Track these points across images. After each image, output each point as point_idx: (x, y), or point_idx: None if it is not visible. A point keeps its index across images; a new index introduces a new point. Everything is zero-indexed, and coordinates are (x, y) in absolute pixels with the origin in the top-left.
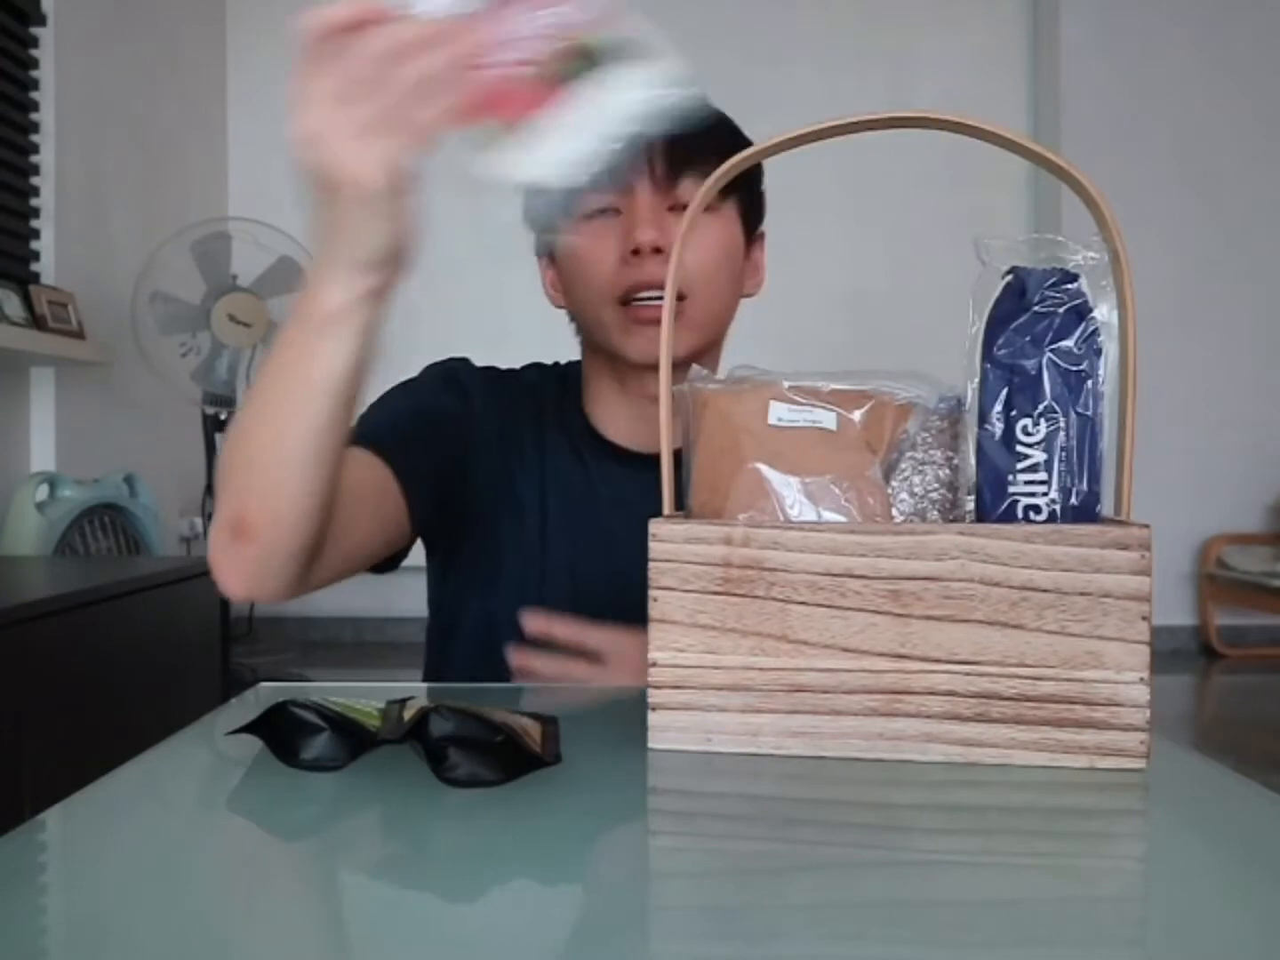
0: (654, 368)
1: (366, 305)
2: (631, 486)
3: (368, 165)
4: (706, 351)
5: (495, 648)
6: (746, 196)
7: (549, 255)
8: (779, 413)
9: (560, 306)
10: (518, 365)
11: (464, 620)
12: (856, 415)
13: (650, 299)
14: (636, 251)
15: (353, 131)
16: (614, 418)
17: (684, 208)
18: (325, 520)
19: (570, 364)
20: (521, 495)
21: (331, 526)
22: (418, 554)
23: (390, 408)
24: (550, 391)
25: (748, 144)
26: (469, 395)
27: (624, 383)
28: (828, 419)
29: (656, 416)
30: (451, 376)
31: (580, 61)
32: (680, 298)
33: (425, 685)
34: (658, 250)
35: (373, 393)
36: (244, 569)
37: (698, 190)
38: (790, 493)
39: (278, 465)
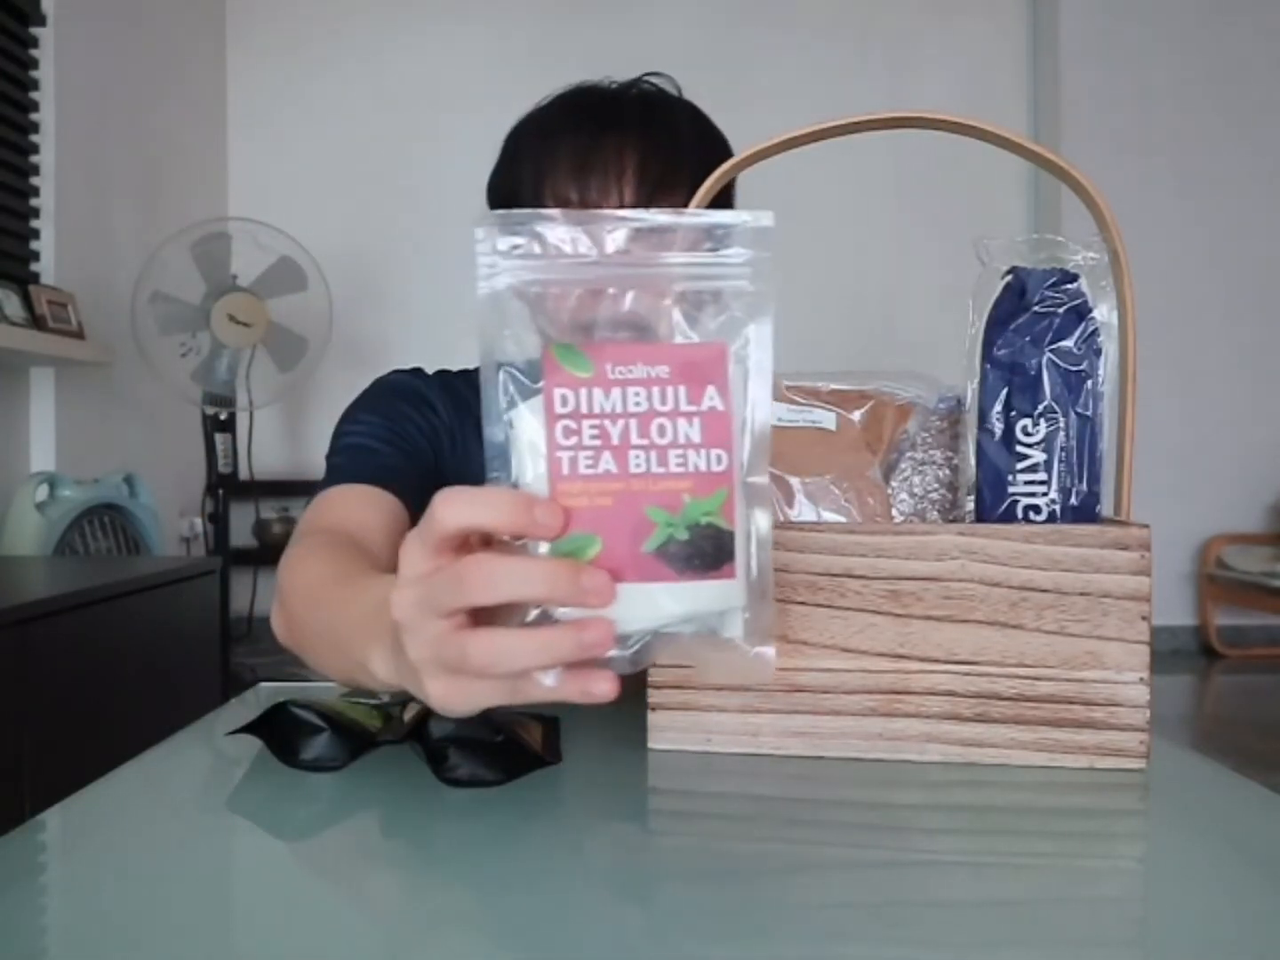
0: None
1: None
2: None
3: (456, 705)
4: None
5: None
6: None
7: None
8: (779, 413)
9: None
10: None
11: None
12: (856, 415)
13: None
14: None
15: (463, 686)
16: None
17: None
18: None
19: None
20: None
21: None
22: None
23: (375, 438)
24: None
25: (724, 149)
26: (434, 407)
27: None
28: (827, 419)
29: None
30: (413, 392)
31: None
32: None
33: None
34: None
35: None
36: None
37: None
38: (790, 493)
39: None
